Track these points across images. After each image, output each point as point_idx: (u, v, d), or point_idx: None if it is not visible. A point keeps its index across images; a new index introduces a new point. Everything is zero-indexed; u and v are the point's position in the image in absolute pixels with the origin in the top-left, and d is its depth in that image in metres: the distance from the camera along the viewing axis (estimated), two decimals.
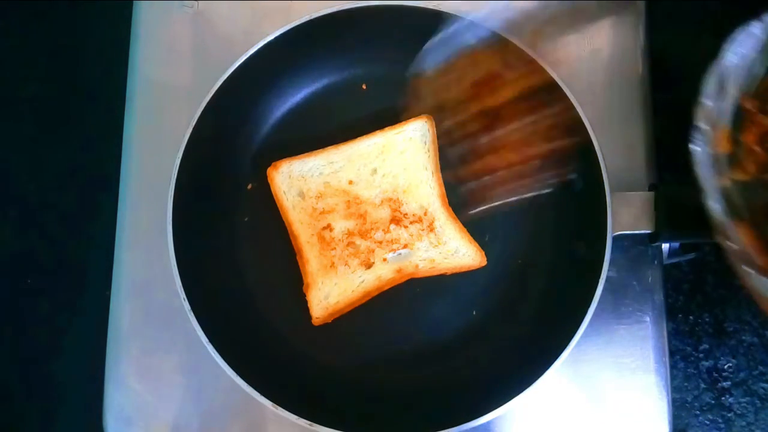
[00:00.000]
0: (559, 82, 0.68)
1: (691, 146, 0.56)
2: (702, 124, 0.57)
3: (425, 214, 0.74)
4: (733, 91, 0.59)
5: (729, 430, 0.76)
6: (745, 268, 0.55)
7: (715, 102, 0.58)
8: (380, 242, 0.73)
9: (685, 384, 0.76)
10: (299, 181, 0.74)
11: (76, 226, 0.82)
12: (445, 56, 0.70)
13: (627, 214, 0.66)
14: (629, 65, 0.79)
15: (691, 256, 0.76)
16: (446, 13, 0.70)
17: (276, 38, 0.70)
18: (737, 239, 0.56)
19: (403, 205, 0.74)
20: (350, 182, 0.74)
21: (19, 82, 0.87)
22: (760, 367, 0.77)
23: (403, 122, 0.75)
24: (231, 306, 0.71)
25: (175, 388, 0.73)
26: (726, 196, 0.58)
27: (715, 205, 0.55)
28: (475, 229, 0.74)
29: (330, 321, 0.72)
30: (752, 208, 0.60)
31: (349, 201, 0.74)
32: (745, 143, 0.62)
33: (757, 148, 0.61)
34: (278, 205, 0.74)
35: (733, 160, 0.61)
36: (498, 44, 0.70)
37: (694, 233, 0.67)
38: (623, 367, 0.72)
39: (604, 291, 0.65)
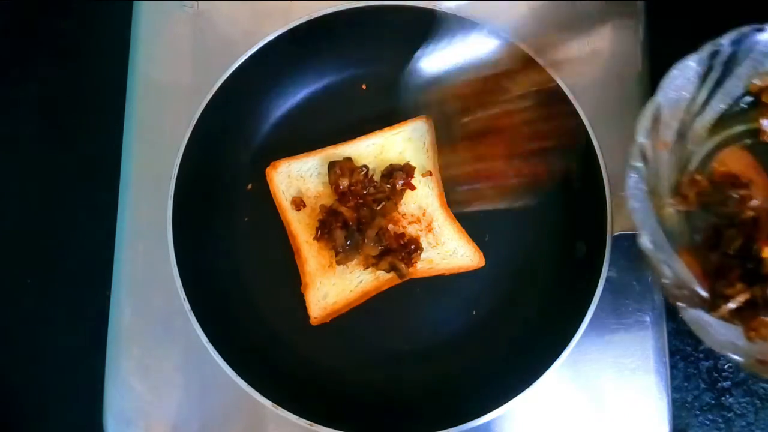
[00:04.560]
0: (560, 83, 0.68)
1: (626, 182, 0.57)
2: (636, 161, 0.57)
3: (423, 214, 0.74)
4: (674, 123, 0.60)
5: (729, 430, 0.76)
6: (678, 304, 0.55)
7: (649, 139, 0.58)
8: None
9: (685, 384, 0.76)
10: (298, 181, 0.74)
11: (76, 225, 0.82)
12: (446, 60, 0.70)
13: (627, 214, 0.66)
14: (629, 65, 0.79)
15: None
16: (446, 13, 0.70)
17: (276, 38, 0.70)
18: (673, 271, 0.56)
19: (401, 205, 0.74)
20: None
21: (19, 82, 0.87)
22: None
23: (402, 123, 0.75)
24: (231, 306, 0.72)
25: (175, 388, 0.73)
26: (666, 225, 0.58)
27: (647, 243, 0.56)
28: (475, 229, 0.74)
29: (328, 321, 0.72)
30: (695, 236, 0.61)
31: None
32: (688, 173, 0.62)
33: (699, 177, 0.62)
34: (277, 205, 0.74)
35: (676, 190, 0.61)
36: (499, 48, 0.69)
37: None
38: (623, 368, 0.72)
39: (604, 291, 0.65)
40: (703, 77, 0.60)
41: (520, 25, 0.77)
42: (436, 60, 0.72)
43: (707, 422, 0.76)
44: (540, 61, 0.68)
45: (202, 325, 0.65)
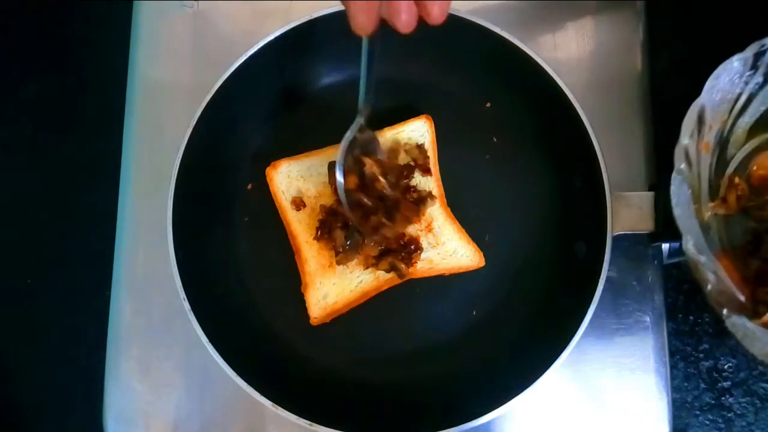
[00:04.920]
0: (559, 82, 0.68)
1: (671, 187, 0.56)
2: (680, 163, 0.56)
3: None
4: (716, 124, 0.59)
5: (729, 430, 0.75)
6: (724, 311, 0.54)
7: (692, 141, 0.57)
8: None
9: (685, 384, 0.76)
10: (298, 181, 0.74)
11: (76, 225, 0.82)
12: None
13: (627, 214, 0.66)
14: (629, 65, 0.79)
15: None
16: None
17: (276, 38, 0.70)
18: (716, 277, 0.55)
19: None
20: None
21: (19, 82, 0.87)
22: (760, 367, 0.76)
23: (402, 123, 0.75)
24: (230, 306, 0.72)
25: (175, 388, 0.73)
26: (707, 229, 0.57)
27: (692, 247, 0.55)
28: (475, 229, 0.74)
29: (328, 321, 0.72)
30: (734, 241, 0.60)
31: None
32: (728, 176, 0.62)
33: (738, 181, 0.61)
34: (277, 205, 0.74)
35: (715, 193, 0.61)
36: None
37: None
38: (623, 368, 0.72)
39: (604, 291, 0.64)
40: (746, 78, 0.59)
41: (519, 25, 0.77)
42: None
43: (707, 422, 0.76)
44: (539, 60, 0.68)
45: (202, 325, 0.65)
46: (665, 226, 0.66)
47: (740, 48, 0.58)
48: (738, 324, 0.54)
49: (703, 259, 0.55)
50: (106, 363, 0.74)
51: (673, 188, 0.56)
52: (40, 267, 0.82)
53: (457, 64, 0.76)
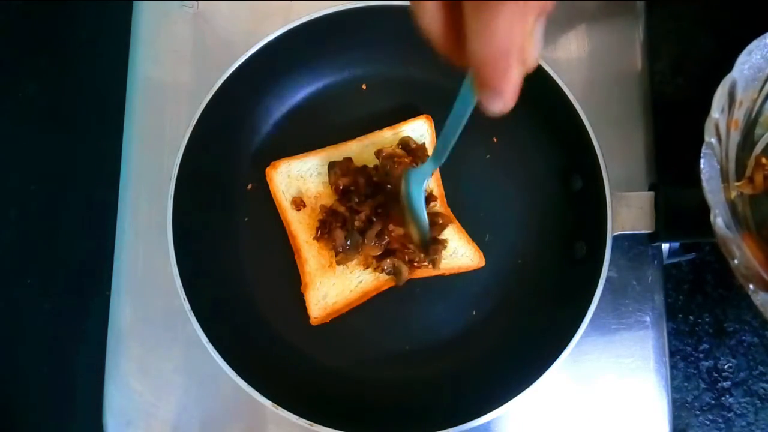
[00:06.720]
0: (559, 82, 0.68)
1: (701, 161, 0.56)
2: (710, 137, 0.56)
3: None
4: (746, 102, 0.59)
5: (729, 430, 0.76)
6: (751, 287, 0.54)
7: (723, 116, 0.57)
8: None
9: (685, 384, 0.76)
10: (298, 181, 0.74)
11: (76, 225, 0.82)
12: None
13: (627, 214, 0.66)
14: (629, 65, 0.79)
15: (691, 256, 0.76)
16: None
17: (276, 38, 0.70)
18: (742, 254, 0.55)
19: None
20: None
21: (19, 82, 0.87)
22: (760, 367, 0.77)
23: (402, 122, 0.75)
24: (231, 306, 0.71)
25: (175, 388, 0.73)
26: (732, 208, 0.57)
27: (720, 222, 0.55)
28: (475, 229, 0.74)
29: (328, 321, 0.72)
30: (759, 221, 0.60)
31: None
32: (756, 156, 0.62)
33: (765, 161, 0.61)
34: (277, 205, 0.74)
35: (741, 173, 0.60)
36: None
37: (694, 233, 0.66)
38: (623, 367, 0.72)
39: (604, 291, 0.64)
40: None
41: None
42: None
43: (707, 422, 0.76)
44: (539, 60, 0.68)
45: (202, 325, 0.65)
46: (665, 226, 0.66)
47: (740, 47, 0.58)
48: (766, 301, 0.54)
49: (730, 234, 0.55)
50: (106, 363, 0.74)
51: (702, 162, 0.56)
52: (40, 267, 0.82)
53: None
